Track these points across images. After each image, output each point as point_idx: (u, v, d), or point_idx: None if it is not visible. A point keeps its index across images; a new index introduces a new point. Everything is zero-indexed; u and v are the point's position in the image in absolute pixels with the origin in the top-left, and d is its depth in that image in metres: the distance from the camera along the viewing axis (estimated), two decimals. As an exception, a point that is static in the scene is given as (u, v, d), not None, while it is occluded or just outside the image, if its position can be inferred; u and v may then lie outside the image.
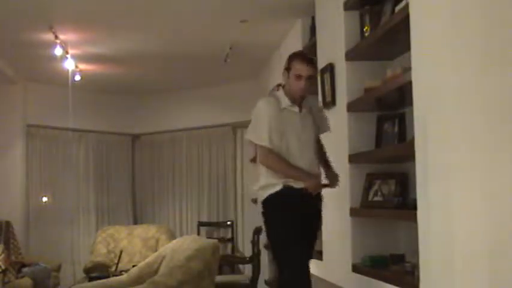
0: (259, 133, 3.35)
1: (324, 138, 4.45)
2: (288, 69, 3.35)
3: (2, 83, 7.10)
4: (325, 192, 4.47)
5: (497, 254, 2.26)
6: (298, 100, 3.39)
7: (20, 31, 5.51)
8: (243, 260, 6.89)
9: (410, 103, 2.92)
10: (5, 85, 7.15)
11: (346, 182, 3.82)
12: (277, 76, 6.19)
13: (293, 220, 3.29)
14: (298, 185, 3.32)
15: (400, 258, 3.50)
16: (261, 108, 3.39)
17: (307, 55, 3.48)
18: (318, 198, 3.46)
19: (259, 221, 6.92)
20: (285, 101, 3.37)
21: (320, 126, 3.54)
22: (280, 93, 3.42)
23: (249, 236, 6.75)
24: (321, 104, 3.84)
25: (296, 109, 3.39)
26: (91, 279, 6.36)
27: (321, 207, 3.51)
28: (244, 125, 7.77)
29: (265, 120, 3.33)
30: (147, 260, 4.92)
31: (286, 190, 3.31)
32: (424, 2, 2.82)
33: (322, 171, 3.57)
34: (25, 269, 6.10)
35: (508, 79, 2.21)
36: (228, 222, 7.85)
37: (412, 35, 2.89)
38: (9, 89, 7.26)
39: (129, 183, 8.55)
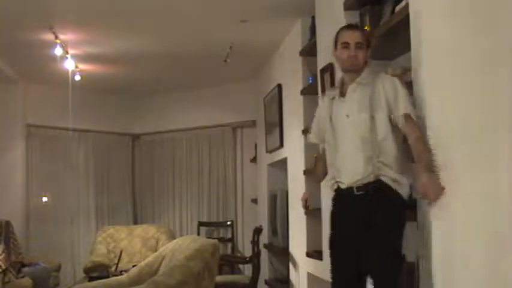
0: None
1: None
2: (336, 46, 2.96)
3: (2, 83, 7.10)
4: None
5: (497, 254, 2.25)
6: (349, 79, 2.92)
7: (20, 31, 5.51)
8: (243, 260, 6.89)
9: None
10: (5, 85, 7.15)
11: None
12: (277, 76, 6.20)
13: (336, 224, 2.98)
14: (342, 184, 2.90)
15: (400, 258, 3.49)
16: None
17: (352, 23, 3.20)
18: (370, 204, 2.80)
19: (259, 221, 6.96)
20: (335, 90, 3.02)
21: (392, 110, 2.80)
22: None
23: (249, 236, 6.76)
24: (395, 80, 2.86)
25: (338, 96, 2.96)
26: (91, 279, 6.36)
27: (378, 218, 2.76)
28: (244, 125, 7.91)
29: (315, 115, 3.17)
30: (147, 260, 4.93)
31: (335, 191, 3.00)
32: (424, 2, 2.82)
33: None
34: (25, 269, 6.09)
35: (508, 79, 2.21)
36: (228, 222, 7.85)
37: (412, 35, 2.90)
38: (9, 89, 7.26)
39: (129, 183, 8.54)
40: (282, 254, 5.92)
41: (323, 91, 4.13)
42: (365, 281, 2.89)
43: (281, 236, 5.86)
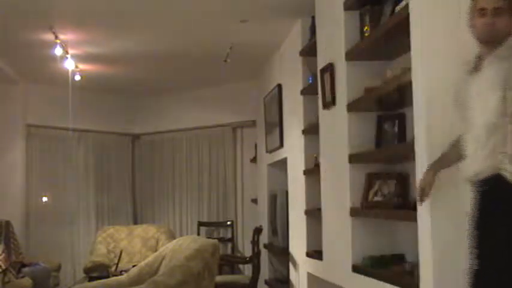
0: None
1: (323, 137, 4.47)
2: (472, 12, 2.43)
3: (2, 83, 7.10)
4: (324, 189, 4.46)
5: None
6: (485, 52, 2.40)
7: (20, 31, 5.51)
8: (243, 260, 6.89)
9: (410, 103, 2.92)
10: (5, 85, 7.15)
11: (346, 182, 3.82)
12: (277, 76, 6.20)
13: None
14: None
15: (400, 258, 3.50)
16: None
17: None
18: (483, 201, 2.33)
19: (259, 221, 6.97)
20: (471, 63, 2.49)
21: None
22: None
23: (249, 236, 6.76)
24: None
25: (472, 71, 2.44)
26: (91, 279, 6.37)
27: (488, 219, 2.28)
28: (244, 125, 7.92)
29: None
30: (147, 260, 4.93)
31: None
32: (424, 2, 2.82)
33: None
34: (25, 269, 6.10)
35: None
36: (228, 222, 7.85)
37: (412, 35, 2.90)
38: (9, 89, 7.26)
39: (129, 183, 8.54)
40: (282, 254, 5.92)
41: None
42: None
43: (281, 236, 5.87)
